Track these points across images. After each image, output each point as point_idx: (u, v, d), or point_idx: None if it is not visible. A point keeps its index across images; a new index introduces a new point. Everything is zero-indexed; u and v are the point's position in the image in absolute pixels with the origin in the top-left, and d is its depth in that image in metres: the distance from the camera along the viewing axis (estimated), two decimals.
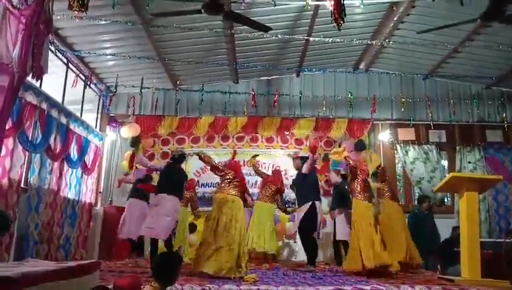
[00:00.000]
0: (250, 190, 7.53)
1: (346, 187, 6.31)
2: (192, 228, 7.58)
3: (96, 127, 8.01)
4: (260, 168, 7.84)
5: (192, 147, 8.78)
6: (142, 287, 2.90)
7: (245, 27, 6.04)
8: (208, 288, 3.79)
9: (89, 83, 7.55)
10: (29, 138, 5.28)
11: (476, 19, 5.27)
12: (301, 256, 7.74)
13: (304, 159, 6.39)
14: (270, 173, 7.67)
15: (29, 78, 4.12)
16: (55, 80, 6.61)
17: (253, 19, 5.61)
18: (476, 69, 8.21)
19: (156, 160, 8.52)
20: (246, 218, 5.44)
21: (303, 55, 8.07)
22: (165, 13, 5.58)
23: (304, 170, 6.17)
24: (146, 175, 6.91)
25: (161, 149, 8.80)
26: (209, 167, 5.57)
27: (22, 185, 5.22)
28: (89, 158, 7.30)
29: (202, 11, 4.98)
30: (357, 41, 7.35)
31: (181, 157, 5.78)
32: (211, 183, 8.28)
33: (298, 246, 7.82)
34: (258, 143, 8.91)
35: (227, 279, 4.43)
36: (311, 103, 8.80)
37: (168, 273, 2.82)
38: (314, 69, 8.71)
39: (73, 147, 6.64)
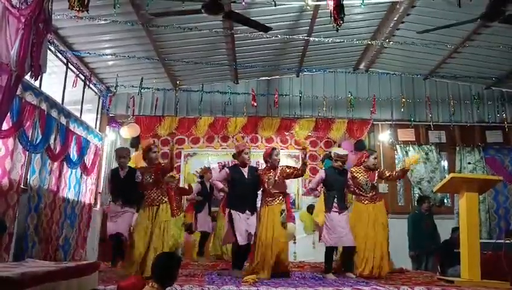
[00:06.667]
0: None
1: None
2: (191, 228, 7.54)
3: (95, 127, 8.00)
4: None
5: (191, 147, 8.80)
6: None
7: (245, 27, 6.02)
8: (207, 288, 3.79)
9: (88, 83, 7.54)
10: (29, 138, 5.26)
11: (476, 19, 5.27)
12: (300, 257, 7.75)
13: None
14: None
15: (28, 77, 4.11)
16: (55, 80, 6.60)
17: (253, 19, 5.60)
18: (476, 70, 8.21)
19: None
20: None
21: (303, 55, 8.05)
22: (165, 13, 5.57)
23: None
24: None
25: (161, 149, 8.78)
26: None
27: (22, 186, 5.20)
28: (88, 158, 7.27)
29: (202, 11, 4.97)
30: (357, 42, 7.35)
31: None
32: None
33: (297, 246, 7.82)
34: (257, 143, 8.88)
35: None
36: (311, 103, 8.79)
37: (167, 274, 2.81)
38: (314, 69, 8.72)
39: (72, 147, 6.61)
